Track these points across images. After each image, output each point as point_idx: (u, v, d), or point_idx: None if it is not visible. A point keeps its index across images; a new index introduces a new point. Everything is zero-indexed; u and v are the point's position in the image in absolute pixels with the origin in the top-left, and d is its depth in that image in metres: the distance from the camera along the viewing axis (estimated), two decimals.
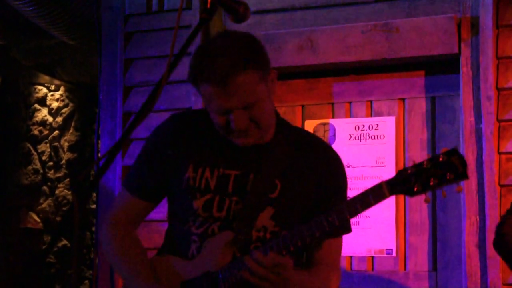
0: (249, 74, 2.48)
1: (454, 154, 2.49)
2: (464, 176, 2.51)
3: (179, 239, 2.71)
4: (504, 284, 3.85)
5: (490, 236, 3.86)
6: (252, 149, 2.64)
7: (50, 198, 7.17)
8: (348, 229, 2.70)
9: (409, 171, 2.47)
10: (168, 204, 2.79)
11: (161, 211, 4.50)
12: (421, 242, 4.19)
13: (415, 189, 2.49)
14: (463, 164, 2.49)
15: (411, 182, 2.48)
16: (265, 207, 2.62)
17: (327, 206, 2.63)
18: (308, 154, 2.68)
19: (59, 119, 7.22)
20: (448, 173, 2.49)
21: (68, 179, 7.16)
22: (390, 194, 2.49)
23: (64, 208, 7.12)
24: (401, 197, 4.23)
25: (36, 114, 7.25)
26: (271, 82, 2.59)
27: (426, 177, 2.48)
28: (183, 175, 2.66)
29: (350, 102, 4.40)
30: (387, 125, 4.29)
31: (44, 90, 7.27)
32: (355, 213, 2.51)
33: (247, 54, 2.50)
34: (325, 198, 2.67)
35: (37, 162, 7.22)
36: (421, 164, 2.47)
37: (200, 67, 2.52)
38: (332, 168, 2.70)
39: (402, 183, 2.48)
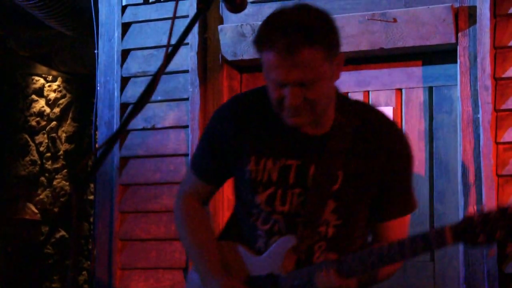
0: (315, 50, 2.41)
1: None
2: None
3: (246, 229, 2.71)
4: (501, 274, 3.85)
5: None
6: (313, 138, 2.60)
7: (48, 189, 7.17)
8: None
9: (476, 220, 2.35)
10: (234, 185, 2.78)
11: (158, 202, 4.51)
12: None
13: (479, 239, 2.34)
14: None
15: (475, 231, 2.34)
16: (327, 201, 2.58)
17: (391, 193, 2.63)
18: (371, 140, 2.60)
19: (57, 110, 7.21)
20: None
21: (65, 170, 7.16)
22: (453, 242, 2.39)
23: (62, 199, 7.12)
24: None
25: (33, 105, 7.24)
26: (336, 65, 2.52)
27: (492, 228, 2.33)
28: (245, 166, 2.64)
29: (347, 93, 4.39)
30: None
31: (42, 81, 7.26)
32: (415, 254, 2.44)
33: (317, 30, 2.42)
34: (389, 185, 2.63)
35: (34, 153, 7.22)
36: (488, 214, 2.34)
37: (268, 33, 2.46)
38: (396, 149, 2.62)
39: (467, 232, 2.36)
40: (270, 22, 2.50)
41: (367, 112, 2.69)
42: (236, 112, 2.68)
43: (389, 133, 2.65)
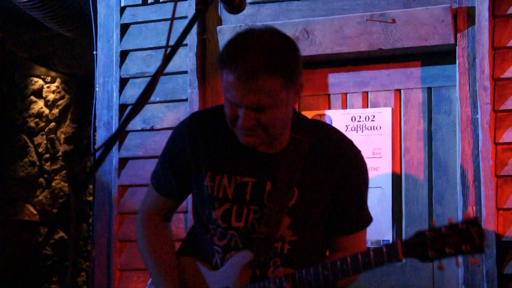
0: (274, 78, 2.43)
1: (474, 225, 2.40)
2: (480, 250, 2.41)
3: (204, 245, 2.73)
4: (500, 275, 3.86)
5: (486, 227, 3.86)
6: (268, 155, 2.62)
7: (47, 190, 7.17)
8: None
9: (427, 235, 2.40)
10: (192, 201, 2.80)
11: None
12: None
13: (429, 254, 2.41)
14: (481, 237, 2.40)
15: (426, 246, 2.41)
16: (282, 217, 2.60)
17: (346, 208, 2.65)
18: (325, 156, 2.63)
19: (55, 111, 7.21)
20: (464, 245, 2.40)
21: (64, 171, 7.15)
22: (404, 256, 2.43)
23: (61, 200, 7.12)
24: (399, 188, 4.24)
25: (32, 106, 7.24)
26: (294, 93, 2.53)
27: (442, 244, 2.40)
28: (202, 181, 2.67)
29: (346, 93, 4.39)
30: (383, 116, 4.29)
31: (40, 82, 7.26)
32: (369, 267, 2.47)
33: (279, 59, 2.43)
34: (343, 200, 2.65)
35: (33, 154, 7.21)
36: (439, 229, 2.40)
37: (230, 55, 2.46)
38: (350, 166, 2.66)
39: (418, 246, 2.41)
40: (234, 43, 2.49)
41: (322, 130, 2.72)
42: (193, 128, 2.70)
43: (343, 150, 2.67)
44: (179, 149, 2.72)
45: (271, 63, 2.42)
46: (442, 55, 4.20)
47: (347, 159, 2.66)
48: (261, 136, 2.52)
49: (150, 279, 2.86)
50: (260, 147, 2.61)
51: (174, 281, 2.72)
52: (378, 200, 4.16)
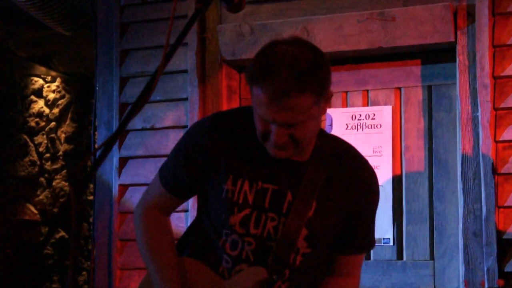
0: (305, 97, 2.40)
1: None
2: None
3: (212, 249, 2.68)
4: (501, 272, 3.86)
5: (487, 225, 3.87)
6: (291, 164, 2.60)
7: (47, 190, 7.17)
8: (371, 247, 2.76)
9: None
10: (200, 202, 2.75)
11: None
12: (419, 231, 4.20)
13: None
14: None
15: None
16: (302, 227, 2.59)
17: (355, 229, 2.66)
18: (345, 175, 2.63)
19: (56, 110, 7.21)
20: None
21: (65, 171, 7.16)
22: None
23: (61, 200, 7.12)
24: (400, 186, 4.24)
25: (32, 105, 7.24)
26: (324, 103, 2.51)
27: None
28: (222, 184, 2.62)
29: (346, 92, 4.39)
30: (383, 114, 4.29)
31: (40, 81, 7.26)
32: None
33: (310, 76, 2.40)
34: (355, 221, 2.65)
35: (34, 153, 7.21)
36: None
37: (260, 72, 2.42)
38: (366, 186, 2.66)
39: None
40: (264, 60, 2.45)
41: (344, 147, 2.71)
42: (217, 128, 2.66)
43: (363, 171, 2.67)
44: (198, 150, 2.66)
45: (302, 81, 2.39)
46: (442, 53, 4.21)
47: (365, 181, 2.66)
48: (291, 150, 2.51)
49: (145, 276, 2.81)
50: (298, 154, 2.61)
51: (174, 280, 2.68)
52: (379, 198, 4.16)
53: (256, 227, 2.60)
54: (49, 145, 7.20)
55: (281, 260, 2.59)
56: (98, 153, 2.12)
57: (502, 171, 3.91)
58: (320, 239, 2.62)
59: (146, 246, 2.76)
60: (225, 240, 2.63)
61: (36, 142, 7.22)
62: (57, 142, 7.19)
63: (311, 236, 2.60)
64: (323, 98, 2.48)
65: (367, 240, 2.73)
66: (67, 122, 7.20)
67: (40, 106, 7.23)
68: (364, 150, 4.31)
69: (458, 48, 4.04)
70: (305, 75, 2.40)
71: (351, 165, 2.65)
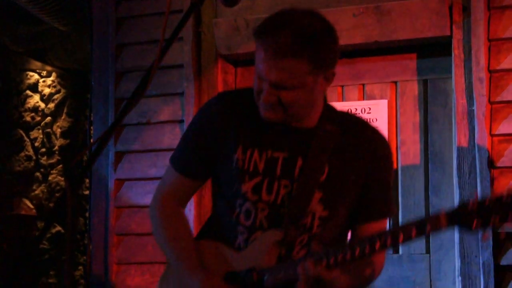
0: (299, 62, 2.46)
1: None
2: None
3: (227, 225, 2.70)
4: (497, 266, 3.86)
5: None
6: (297, 132, 2.64)
7: (43, 185, 7.16)
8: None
9: (471, 207, 2.39)
10: (213, 184, 2.79)
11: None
12: None
13: (474, 225, 2.39)
14: None
15: (471, 217, 2.39)
16: (314, 192, 2.61)
17: (372, 194, 2.66)
18: (355, 138, 2.66)
19: (51, 105, 7.20)
20: (510, 212, 2.36)
21: (61, 165, 7.15)
22: (448, 226, 2.42)
23: (57, 194, 7.12)
24: (395, 180, 4.24)
25: (28, 100, 7.23)
26: (323, 79, 2.57)
27: (487, 214, 2.37)
28: (232, 155, 2.66)
29: (342, 86, 4.39)
30: (379, 108, 4.29)
31: (36, 76, 7.25)
32: (409, 239, 2.44)
33: (310, 44, 2.47)
34: (371, 185, 2.66)
35: (29, 148, 7.21)
36: (483, 201, 2.38)
37: (265, 29, 2.50)
38: (379, 152, 2.69)
39: (462, 216, 2.40)
40: (273, 19, 2.53)
41: (352, 116, 2.77)
42: (224, 104, 2.72)
43: (374, 136, 2.71)
44: (207, 126, 2.71)
45: (301, 47, 2.45)
46: (437, 47, 4.20)
47: (377, 146, 2.69)
48: (279, 114, 2.56)
49: (164, 269, 2.82)
50: (292, 123, 2.63)
51: (195, 263, 2.68)
52: None
53: (268, 193, 2.62)
54: (44, 140, 7.20)
55: (295, 222, 2.60)
56: (93, 148, 2.12)
57: (498, 164, 3.91)
58: (335, 201, 2.63)
59: (163, 234, 2.78)
60: (239, 212, 2.66)
61: (31, 137, 7.21)
62: (53, 137, 7.18)
63: (326, 199, 2.61)
64: (322, 73, 2.54)
65: (386, 207, 2.73)
66: (63, 117, 7.19)
67: (35, 101, 7.22)
68: None
69: (454, 42, 4.04)
70: (306, 42, 2.45)
71: (363, 132, 2.69)
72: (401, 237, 2.44)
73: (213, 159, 2.71)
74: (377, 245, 2.46)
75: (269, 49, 2.46)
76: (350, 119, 2.74)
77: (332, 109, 2.72)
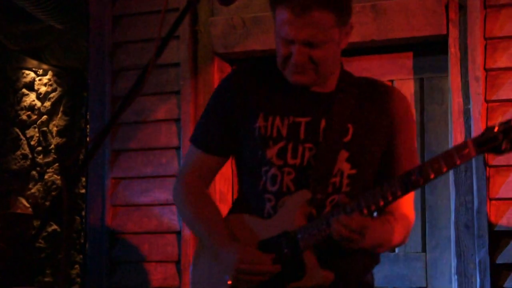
0: (327, 13, 2.50)
1: None
2: None
3: (253, 197, 2.70)
4: (493, 264, 3.87)
5: (479, 217, 3.88)
6: (320, 95, 2.66)
7: (39, 183, 7.15)
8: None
9: (497, 129, 2.39)
10: (237, 161, 2.78)
11: (150, 195, 4.51)
12: None
13: (503, 147, 2.38)
14: None
15: (498, 139, 2.38)
16: (339, 151, 2.62)
17: (398, 150, 2.67)
18: (375, 97, 2.70)
19: (48, 103, 7.19)
20: None
21: (57, 164, 7.14)
22: (477, 154, 2.41)
23: (53, 193, 7.11)
24: None
25: (24, 99, 7.22)
26: (344, 34, 2.61)
27: None
28: (253, 124, 2.66)
29: None
30: None
31: (32, 74, 7.24)
32: (440, 172, 2.44)
33: None
34: (396, 142, 2.68)
35: (25, 147, 7.20)
36: (509, 121, 2.39)
37: None
38: (401, 108, 2.71)
39: (489, 141, 2.39)
40: None
41: (368, 78, 2.83)
42: (240, 76, 2.74)
43: (394, 94, 2.74)
44: (225, 99, 2.72)
45: None
46: (434, 46, 4.21)
47: (398, 103, 2.72)
48: (311, 74, 2.58)
49: (195, 249, 2.81)
50: (313, 87, 2.65)
51: (227, 235, 2.67)
52: None
53: (294, 157, 2.63)
54: (41, 138, 7.19)
55: (324, 182, 2.60)
56: (90, 146, 2.12)
57: (494, 163, 3.92)
58: (363, 159, 2.65)
59: (192, 213, 2.76)
60: (265, 180, 2.66)
61: (28, 136, 7.20)
62: (49, 135, 7.18)
63: (353, 157, 2.63)
64: (344, 25, 2.58)
65: (411, 159, 2.72)
66: (59, 116, 7.19)
67: (31, 100, 7.21)
68: None
69: (450, 40, 4.04)
70: None
71: (381, 90, 2.73)
72: (431, 173, 2.45)
73: (233, 132, 2.72)
74: (409, 184, 2.47)
75: (295, 8, 2.49)
76: (366, 80, 2.80)
77: (349, 73, 2.77)
